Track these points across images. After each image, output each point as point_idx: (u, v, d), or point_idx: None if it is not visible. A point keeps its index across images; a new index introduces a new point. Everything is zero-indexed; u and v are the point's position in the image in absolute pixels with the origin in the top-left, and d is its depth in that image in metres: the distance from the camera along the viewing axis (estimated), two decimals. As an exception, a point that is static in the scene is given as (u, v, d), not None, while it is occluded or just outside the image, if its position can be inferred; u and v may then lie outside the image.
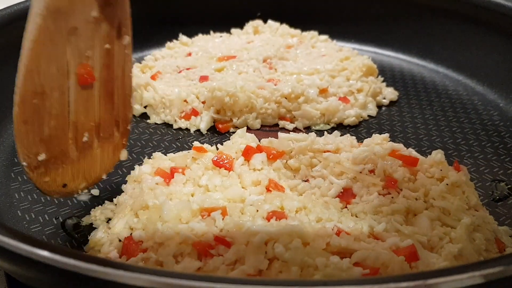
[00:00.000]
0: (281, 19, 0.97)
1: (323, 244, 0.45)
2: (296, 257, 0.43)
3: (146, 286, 0.33)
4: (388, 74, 0.89)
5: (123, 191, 0.58)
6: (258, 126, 0.74)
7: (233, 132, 0.70)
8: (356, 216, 0.51)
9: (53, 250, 0.35)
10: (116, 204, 0.56)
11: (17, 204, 0.58)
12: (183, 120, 0.74)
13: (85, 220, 0.55)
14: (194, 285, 0.32)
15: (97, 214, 0.55)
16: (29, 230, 0.55)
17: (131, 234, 0.49)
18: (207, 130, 0.73)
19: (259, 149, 0.58)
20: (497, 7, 0.82)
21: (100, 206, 0.57)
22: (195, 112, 0.73)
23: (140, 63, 0.85)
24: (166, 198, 0.51)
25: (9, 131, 0.72)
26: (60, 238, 0.54)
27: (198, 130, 0.73)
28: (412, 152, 0.59)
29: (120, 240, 0.49)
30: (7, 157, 0.67)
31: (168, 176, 0.55)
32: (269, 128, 0.74)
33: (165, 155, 0.60)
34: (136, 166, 0.59)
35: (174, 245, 0.46)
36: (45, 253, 0.35)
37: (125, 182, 0.59)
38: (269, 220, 0.49)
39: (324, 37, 0.93)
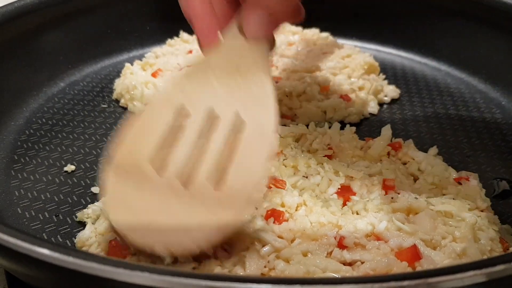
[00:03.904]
0: (282, 16, 0.96)
1: (324, 255, 0.45)
2: (298, 272, 0.43)
3: (146, 284, 0.33)
4: (390, 72, 0.89)
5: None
6: (259, 124, 0.73)
7: (234, 130, 0.70)
8: (357, 213, 0.51)
9: (53, 248, 0.35)
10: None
11: (17, 201, 0.58)
12: (183, 117, 0.73)
13: (79, 217, 0.55)
14: (195, 284, 0.32)
15: (89, 212, 0.54)
16: (29, 228, 0.54)
17: (115, 238, 0.48)
18: (208, 128, 0.73)
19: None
20: (499, 5, 0.81)
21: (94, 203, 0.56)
22: (195, 110, 0.73)
23: (141, 60, 0.85)
24: None
25: (9, 128, 0.72)
26: (60, 236, 0.54)
27: (199, 128, 0.73)
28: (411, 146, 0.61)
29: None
30: (7, 154, 0.67)
31: None
32: (270, 126, 0.74)
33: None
34: None
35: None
36: (45, 251, 0.35)
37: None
38: (267, 219, 0.49)
39: (326, 34, 0.93)
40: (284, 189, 0.53)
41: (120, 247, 0.47)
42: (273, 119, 0.45)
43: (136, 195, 0.42)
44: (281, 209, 0.50)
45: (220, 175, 0.43)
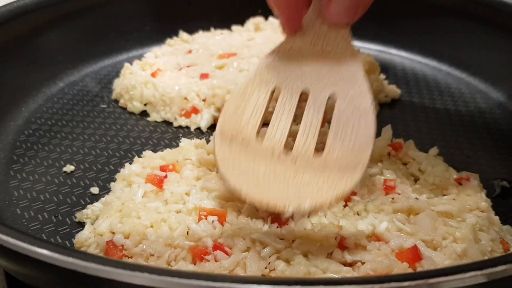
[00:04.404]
0: (282, 16, 0.96)
1: (325, 255, 0.45)
2: (298, 273, 0.43)
3: (146, 285, 0.33)
4: (390, 72, 0.89)
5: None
6: (259, 124, 0.73)
7: (234, 130, 0.70)
8: (358, 214, 0.51)
9: (52, 249, 0.35)
10: (104, 204, 0.55)
11: (16, 202, 0.58)
12: (183, 118, 0.73)
13: (78, 217, 0.55)
14: (195, 284, 0.32)
15: (88, 213, 0.54)
16: (28, 228, 0.54)
17: (112, 238, 0.48)
18: (208, 128, 0.73)
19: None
20: (499, 5, 0.81)
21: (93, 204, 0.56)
22: (195, 110, 0.73)
23: (141, 60, 0.85)
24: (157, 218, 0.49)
25: (8, 128, 0.72)
26: (59, 237, 0.53)
27: (199, 128, 0.73)
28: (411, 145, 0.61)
29: None
30: (6, 154, 0.66)
31: (160, 180, 0.54)
32: (270, 126, 0.73)
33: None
34: (126, 164, 0.58)
35: (167, 256, 0.45)
36: (44, 251, 0.35)
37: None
38: (266, 220, 0.48)
39: (326, 34, 0.92)
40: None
41: (114, 249, 0.47)
42: (368, 96, 0.49)
43: (244, 159, 0.46)
44: (282, 209, 0.50)
45: (317, 145, 0.47)
